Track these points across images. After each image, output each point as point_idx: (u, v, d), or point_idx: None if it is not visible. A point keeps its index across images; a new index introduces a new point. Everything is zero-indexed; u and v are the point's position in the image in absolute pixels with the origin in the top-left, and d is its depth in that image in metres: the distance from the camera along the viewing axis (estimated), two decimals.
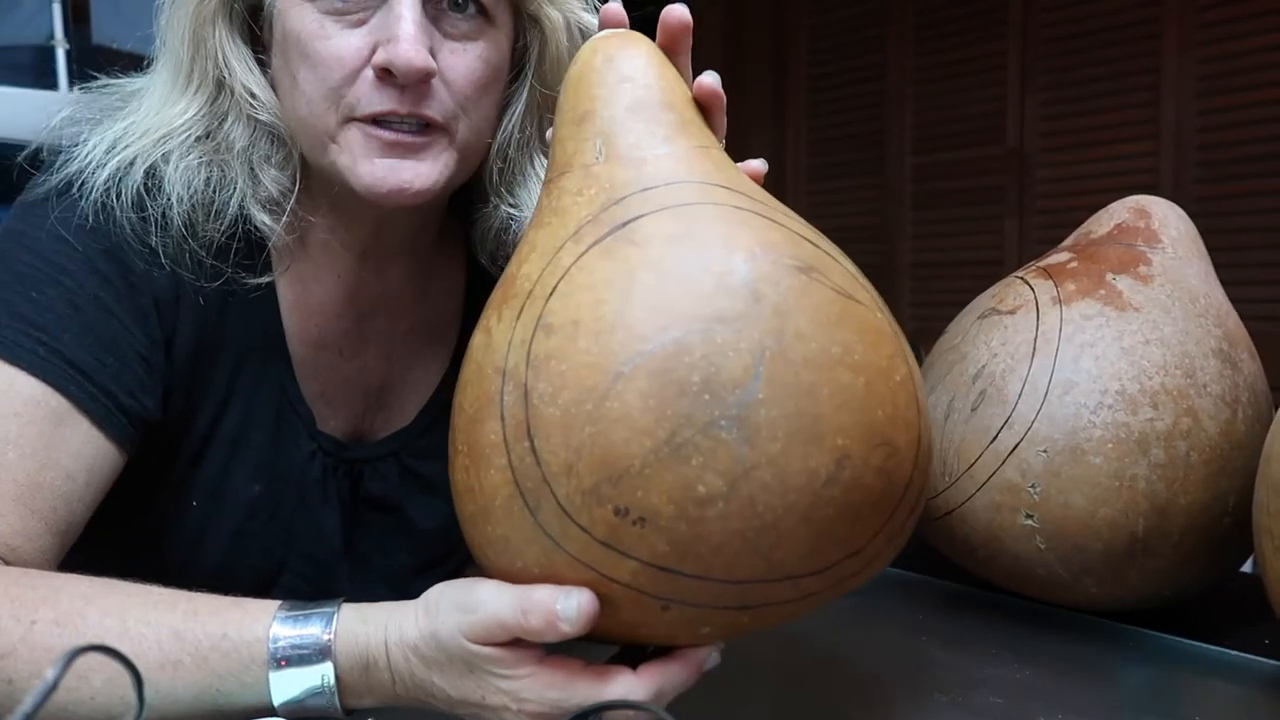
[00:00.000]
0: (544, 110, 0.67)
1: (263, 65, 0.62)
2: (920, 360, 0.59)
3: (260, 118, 0.61)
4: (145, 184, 0.60)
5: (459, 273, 0.75)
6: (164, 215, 0.60)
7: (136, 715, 0.43)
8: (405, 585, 0.73)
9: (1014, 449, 0.65)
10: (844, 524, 0.42)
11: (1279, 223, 2.08)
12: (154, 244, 0.60)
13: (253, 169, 0.62)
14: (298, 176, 0.63)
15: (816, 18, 2.81)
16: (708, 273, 0.42)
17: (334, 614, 0.49)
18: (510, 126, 0.66)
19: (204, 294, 0.63)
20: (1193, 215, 0.74)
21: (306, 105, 0.60)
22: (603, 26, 0.52)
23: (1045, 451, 0.64)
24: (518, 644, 0.46)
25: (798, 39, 2.85)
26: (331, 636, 0.48)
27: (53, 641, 0.48)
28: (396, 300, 0.71)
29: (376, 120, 0.59)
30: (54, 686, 0.40)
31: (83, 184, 0.60)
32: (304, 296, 0.68)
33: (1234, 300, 0.71)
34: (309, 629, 0.48)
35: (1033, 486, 0.64)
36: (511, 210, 0.67)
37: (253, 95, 0.61)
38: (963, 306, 0.77)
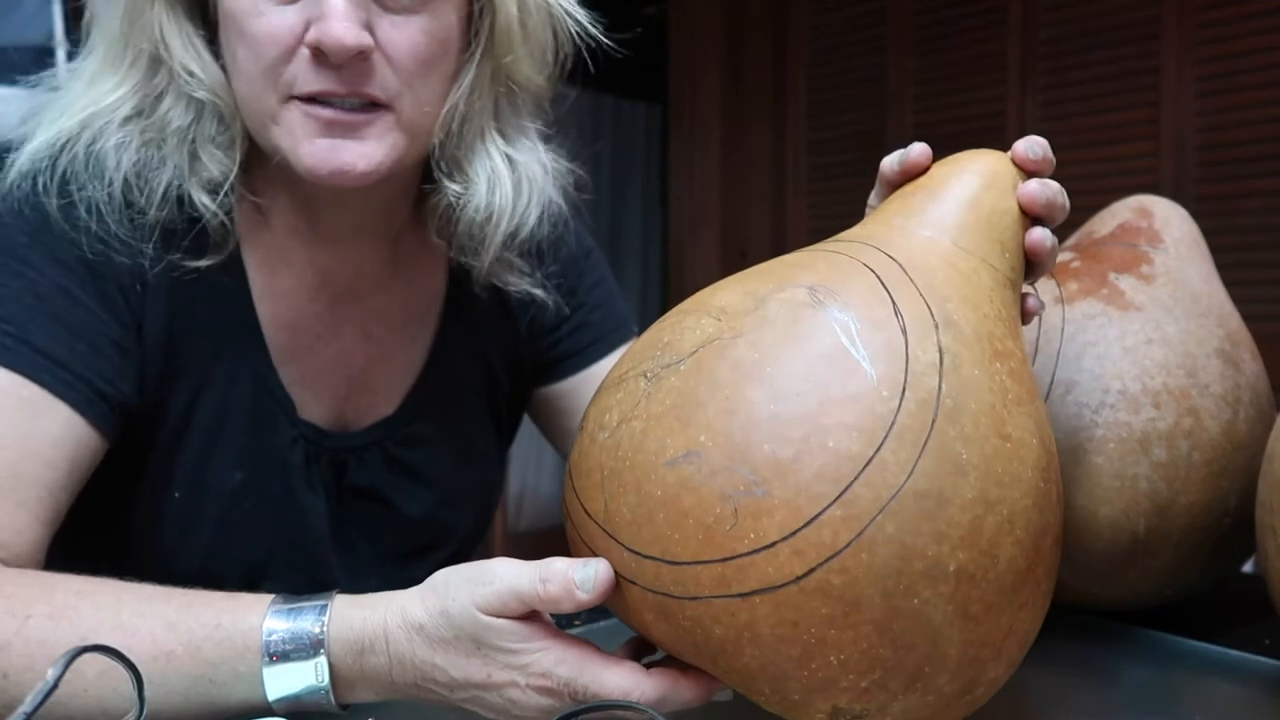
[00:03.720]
0: (497, 84, 0.64)
1: (215, 47, 0.61)
2: None
3: (198, 95, 0.59)
4: (84, 165, 0.59)
5: (441, 254, 0.74)
6: (98, 198, 0.59)
7: (138, 715, 0.43)
8: (396, 573, 0.73)
9: None
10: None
11: (1279, 223, 2.07)
12: (109, 228, 0.59)
13: (194, 148, 0.60)
14: (239, 157, 0.61)
15: (816, 18, 2.81)
16: None
17: (327, 605, 0.48)
18: (457, 99, 0.63)
19: (168, 279, 0.61)
20: (1193, 215, 0.74)
21: (247, 85, 0.58)
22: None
23: None
24: (531, 619, 0.46)
25: (798, 39, 2.85)
26: (324, 627, 0.48)
27: (47, 635, 0.48)
28: (371, 282, 0.70)
29: (315, 99, 0.57)
30: (54, 686, 0.40)
31: (31, 174, 0.59)
32: (274, 281, 0.67)
33: (1235, 300, 0.71)
34: (302, 622, 0.48)
35: None
36: (458, 188, 0.65)
37: (190, 73, 0.59)
38: None
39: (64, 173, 0.59)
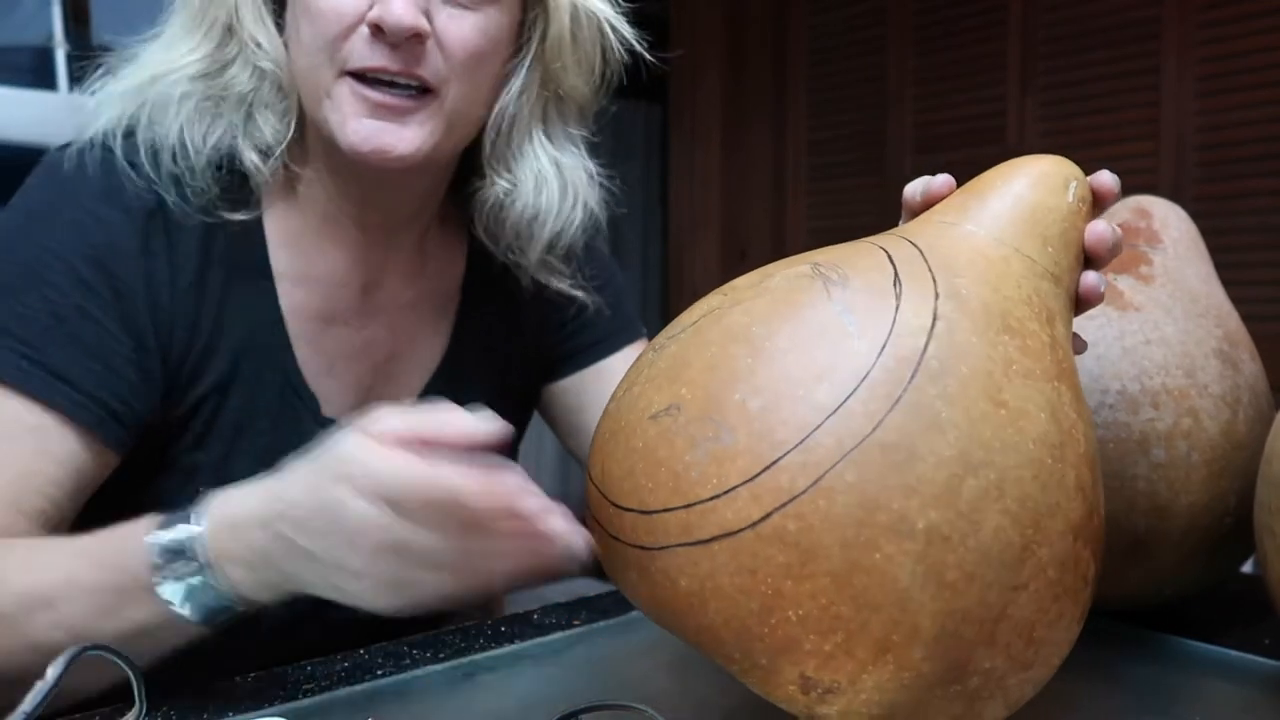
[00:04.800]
0: (546, 89, 0.68)
1: (280, 22, 0.64)
2: None
3: (262, 65, 0.62)
4: (149, 111, 0.63)
5: (460, 247, 0.76)
6: (158, 141, 0.62)
7: (138, 715, 0.43)
8: None
9: None
10: None
11: (1279, 223, 2.08)
12: (162, 171, 0.62)
13: (250, 112, 0.63)
14: (293, 125, 0.64)
15: (816, 18, 2.81)
16: None
17: (203, 506, 0.52)
18: (507, 100, 0.67)
19: (202, 282, 0.64)
20: (1192, 215, 0.74)
21: (306, 58, 0.61)
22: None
23: None
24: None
25: (798, 39, 2.85)
26: (199, 518, 0.51)
27: None
28: (399, 273, 0.72)
29: (367, 78, 0.60)
30: (55, 685, 0.40)
31: (100, 147, 0.63)
32: (308, 269, 0.68)
33: (1233, 300, 0.71)
34: (179, 524, 0.51)
35: None
36: (508, 186, 0.68)
37: (258, 43, 0.62)
38: None
39: (132, 117, 0.63)
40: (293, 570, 0.49)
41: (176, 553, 0.51)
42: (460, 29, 0.61)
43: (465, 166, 0.70)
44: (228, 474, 0.65)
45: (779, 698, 0.43)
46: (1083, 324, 0.66)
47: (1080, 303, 0.51)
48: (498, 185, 0.68)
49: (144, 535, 0.51)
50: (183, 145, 0.62)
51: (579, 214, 0.71)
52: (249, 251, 0.65)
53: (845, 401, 0.40)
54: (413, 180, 0.67)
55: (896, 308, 0.43)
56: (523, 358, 0.80)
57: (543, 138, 0.69)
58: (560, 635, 0.66)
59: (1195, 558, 0.65)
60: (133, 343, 0.61)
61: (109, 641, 0.49)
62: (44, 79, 1.76)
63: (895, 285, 0.44)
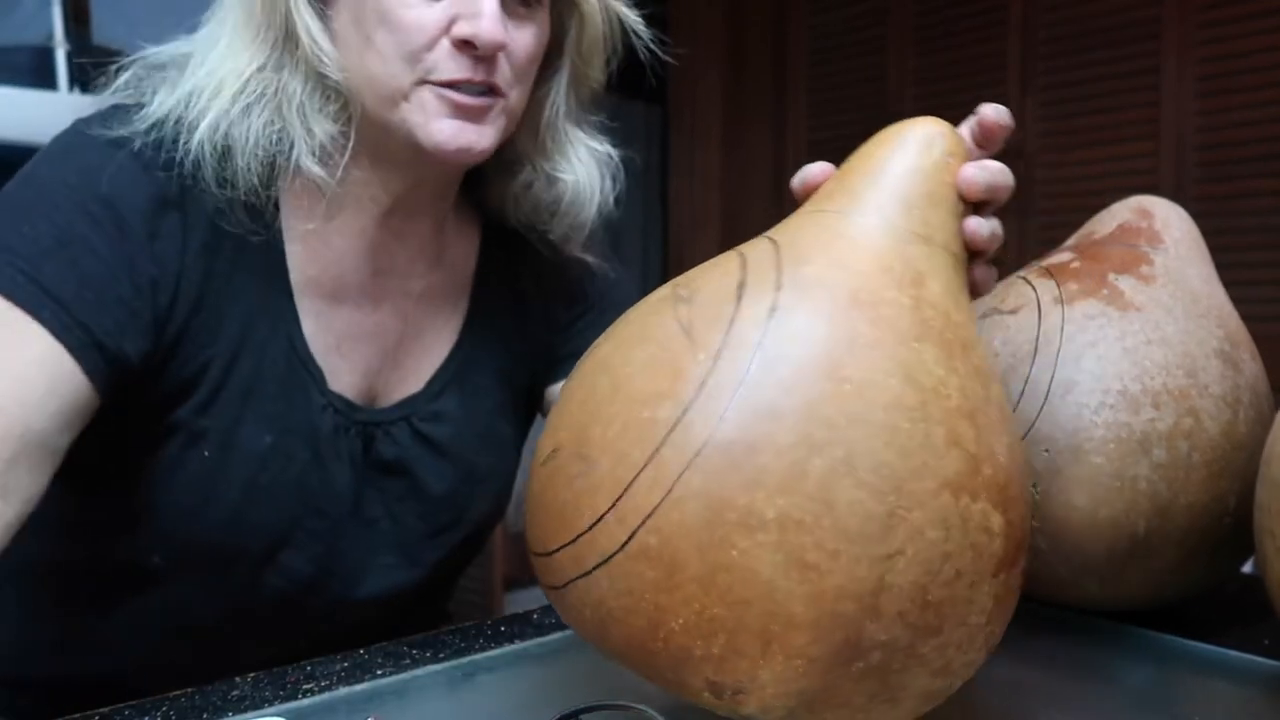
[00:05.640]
0: (580, 84, 0.75)
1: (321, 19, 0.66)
2: None
3: (328, 73, 0.65)
4: (224, 144, 0.64)
5: (473, 240, 0.79)
6: (233, 176, 0.64)
7: None
8: (416, 551, 0.75)
9: None
10: None
11: (1279, 223, 2.08)
12: (207, 173, 0.64)
13: (306, 121, 0.65)
14: (352, 131, 0.67)
15: (816, 18, 2.81)
16: None
17: None
18: (557, 98, 0.73)
19: (210, 246, 0.65)
20: (1192, 215, 0.74)
21: (382, 65, 0.64)
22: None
23: (1047, 451, 0.64)
24: None
25: (798, 39, 2.85)
26: None
27: None
28: (412, 260, 0.74)
29: (450, 85, 0.64)
30: None
31: (157, 139, 0.64)
32: (322, 250, 0.70)
33: (1234, 301, 0.71)
34: None
35: (1034, 486, 0.64)
36: (558, 174, 0.74)
37: (322, 50, 0.65)
38: None
39: (215, 145, 0.64)
40: None
41: None
42: (523, 38, 0.66)
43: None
44: (235, 439, 0.67)
45: (705, 705, 0.44)
46: (1084, 323, 0.66)
47: (972, 252, 0.51)
48: (540, 171, 0.74)
49: None
50: (235, 156, 0.64)
51: (610, 193, 0.78)
52: (264, 229, 0.67)
53: (685, 412, 0.42)
54: (456, 173, 0.72)
55: (735, 312, 0.44)
56: (528, 355, 0.81)
57: (574, 127, 0.75)
58: (560, 635, 0.66)
59: (1195, 558, 0.65)
60: (130, 285, 0.62)
61: None
62: (44, 79, 1.76)
63: (739, 290, 0.45)
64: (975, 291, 0.53)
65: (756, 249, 0.48)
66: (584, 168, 0.75)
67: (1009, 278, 0.74)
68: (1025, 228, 2.38)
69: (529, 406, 0.84)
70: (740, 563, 0.40)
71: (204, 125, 0.63)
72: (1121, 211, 0.74)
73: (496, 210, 0.78)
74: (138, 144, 0.63)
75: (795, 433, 0.41)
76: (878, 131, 0.52)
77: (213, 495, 0.66)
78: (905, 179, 0.49)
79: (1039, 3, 2.38)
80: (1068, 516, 0.64)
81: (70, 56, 1.76)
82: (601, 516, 0.42)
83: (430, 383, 0.75)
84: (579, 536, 0.43)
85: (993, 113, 0.52)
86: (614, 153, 0.78)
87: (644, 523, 0.41)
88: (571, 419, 0.46)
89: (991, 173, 0.50)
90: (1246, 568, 0.73)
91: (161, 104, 0.64)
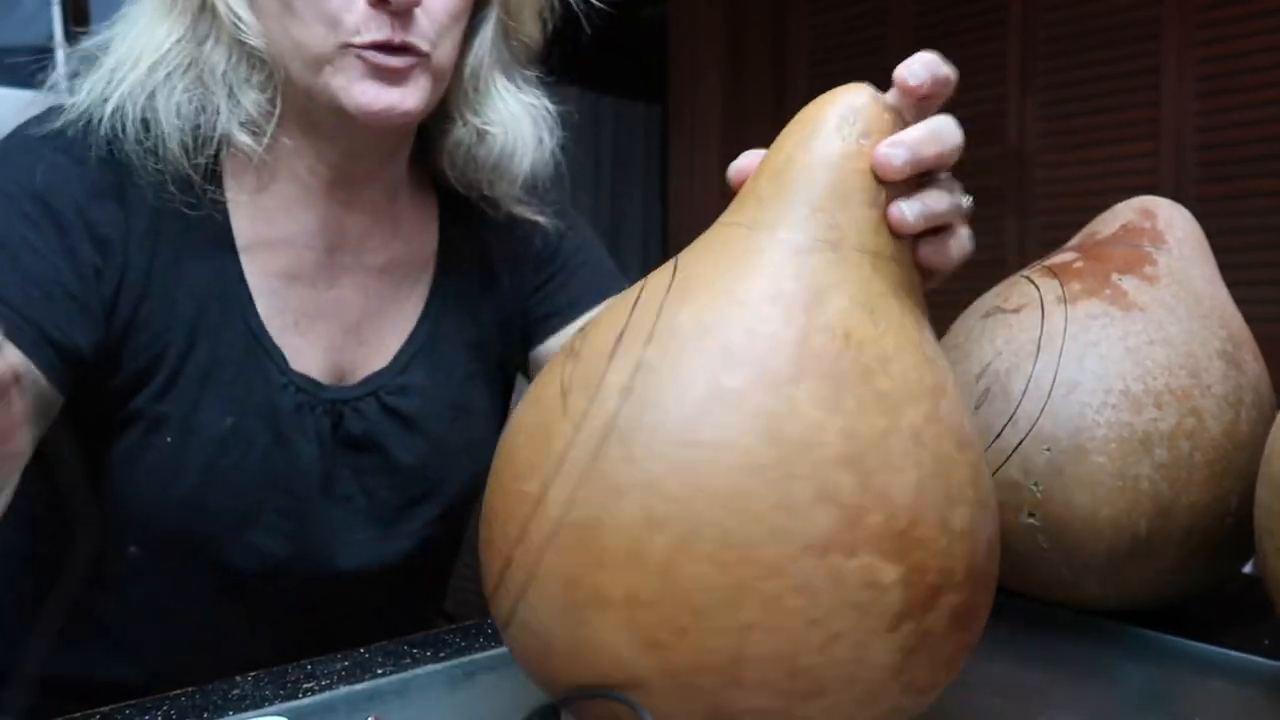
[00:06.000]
0: (509, 36, 0.74)
1: None
2: None
3: (248, 40, 0.64)
4: (143, 115, 0.64)
5: (432, 214, 0.79)
6: (157, 146, 0.64)
7: None
8: (392, 523, 0.75)
9: (1017, 447, 0.65)
10: None
11: (1279, 223, 2.08)
12: (134, 157, 0.64)
13: (232, 91, 0.65)
14: (278, 99, 0.66)
15: (816, 18, 2.81)
16: None
17: None
18: (481, 51, 0.72)
19: (154, 230, 0.65)
20: (1193, 215, 0.74)
21: (303, 29, 0.63)
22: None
23: (1049, 450, 0.64)
24: None
25: (798, 39, 2.85)
26: None
27: None
28: (367, 233, 0.74)
29: (370, 47, 0.63)
30: None
31: (84, 124, 0.64)
32: (268, 230, 0.70)
33: (1235, 301, 0.71)
34: None
35: (1035, 485, 0.64)
36: (481, 128, 0.73)
37: (239, 18, 0.64)
38: (963, 307, 0.77)
39: (135, 122, 0.64)
40: None
41: None
42: None
43: (427, 120, 0.74)
44: (195, 424, 0.66)
45: None
46: (1087, 323, 0.66)
47: (901, 236, 0.45)
48: (470, 126, 0.73)
49: None
50: (159, 125, 0.64)
51: (546, 147, 0.76)
52: (198, 200, 0.67)
53: (547, 489, 0.41)
54: (392, 139, 0.71)
55: (604, 373, 0.42)
56: (499, 323, 0.81)
57: (506, 81, 0.74)
58: None
59: (1197, 558, 0.65)
60: (75, 277, 0.62)
61: None
62: (44, 79, 1.76)
63: (615, 343, 0.43)
64: (933, 270, 0.48)
65: (656, 280, 0.45)
66: (514, 120, 0.74)
67: (1012, 277, 0.74)
68: (1025, 228, 2.38)
69: (504, 375, 0.84)
70: (597, 639, 0.40)
71: (119, 94, 0.63)
72: (1125, 212, 0.74)
73: (442, 174, 0.77)
74: (70, 134, 0.64)
75: (637, 509, 0.39)
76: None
77: (175, 480, 0.66)
78: (810, 175, 0.44)
79: (1039, 3, 2.38)
80: (1069, 516, 0.64)
81: (70, 57, 1.76)
82: (495, 586, 0.44)
83: (397, 357, 0.75)
84: (490, 596, 0.45)
85: (909, 74, 0.45)
86: (550, 106, 0.76)
87: (520, 599, 0.42)
88: (491, 480, 0.47)
89: (911, 145, 0.44)
90: (1247, 568, 0.73)
91: (90, 90, 0.65)
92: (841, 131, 0.44)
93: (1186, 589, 0.68)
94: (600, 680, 0.41)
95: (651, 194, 3.71)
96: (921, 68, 0.45)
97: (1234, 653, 0.63)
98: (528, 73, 0.77)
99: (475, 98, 0.73)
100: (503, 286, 0.81)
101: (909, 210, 0.44)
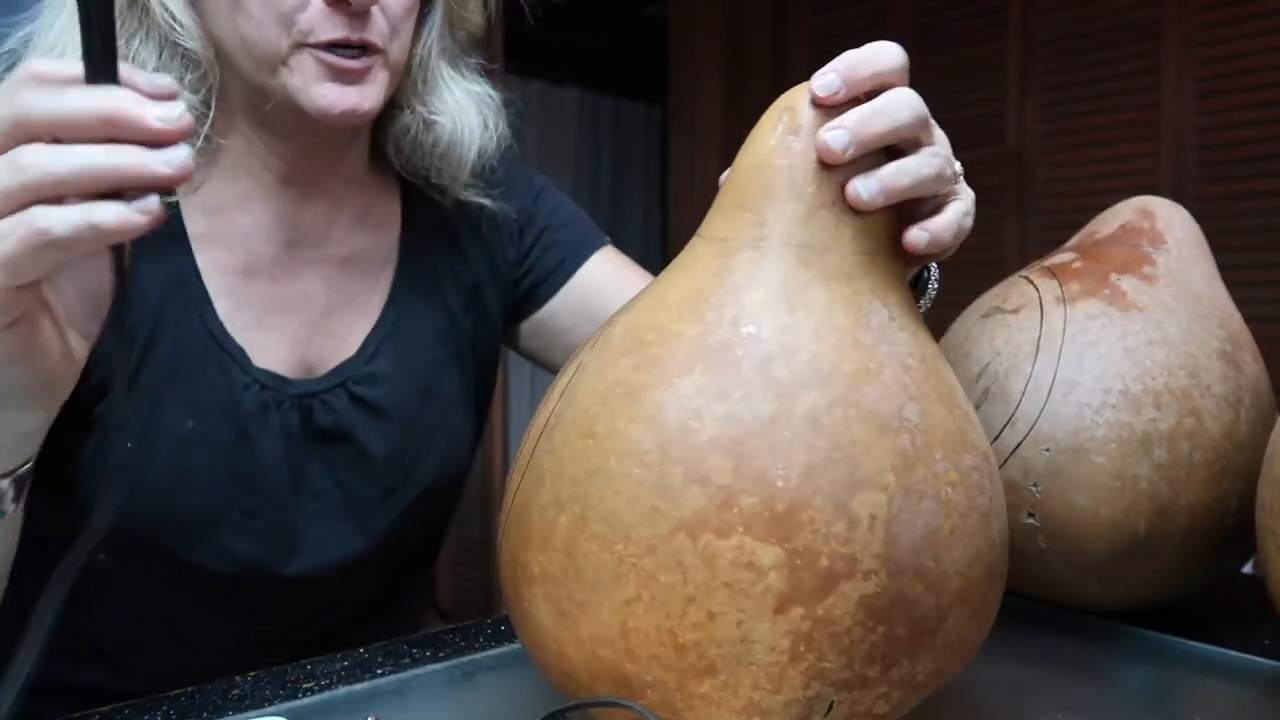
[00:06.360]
0: (455, 26, 0.75)
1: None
2: None
3: (182, 43, 0.63)
4: None
5: (394, 197, 0.79)
6: None
7: None
8: (368, 516, 0.74)
9: (1016, 447, 0.65)
10: None
11: (1279, 223, 2.08)
12: None
13: None
14: (213, 100, 0.65)
15: (816, 18, 2.81)
16: None
17: None
18: (430, 40, 0.72)
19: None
20: (1193, 216, 0.74)
21: (255, 29, 0.62)
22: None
23: (1048, 450, 0.64)
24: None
25: (798, 39, 2.85)
26: None
27: None
28: (327, 226, 0.73)
29: (327, 47, 0.62)
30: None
31: None
32: (224, 226, 0.69)
33: (1234, 301, 0.71)
34: None
35: (1034, 485, 0.64)
36: (429, 117, 0.74)
37: (174, 19, 0.62)
38: (962, 307, 0.77)
39: None
40: None
41: None
42: None
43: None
44: (158, 426, 0.66)
45: None
46: (1086, 323, 0.66)
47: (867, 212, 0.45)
48: (417, 115, 0.73)
49: None
50: None
51: (493, 134, 0.77)
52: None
53: (511, 483, 0.48)
54: (348, 134, 0.71)
55: (562, 373, 0.48)
56: (471, 305, 0.81)
57: (451, 70, 0.75)
58: None
59: (1196, 558, 0.65)
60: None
61: None
62: None
63: (582, 348, 0.48)
64: (925, 251, 0.47)
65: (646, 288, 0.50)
66: (460, 109, 0.75)
67: (1011, 277, 0.74)
68: (1025, 228, 2.38)
69: (476, 359, 0.83)
70: (528, 611, 0.45)
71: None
72: (1124, 212, 0.74)
73: (389, 161, 0.77)
74: None
75: (550, 493, 0.44)
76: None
77: (139, 483, 0.66)
78: (744, 179, 0.47)
79: (1039, 3, 2.38)
80: (1069, 516, 0.64)
81: None
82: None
83: (363, 345, 0.74)
84: None
85: (818, 87, 0.45)
86: (494, 93, 0.77)
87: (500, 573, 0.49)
88: None
89: (852, 126, 0.44)
90: (1247, 568, 0.73)
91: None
92: (775, 132, 0.46)
93: (1186, 589, 0.68)
94: (535, 647, 0.46)
95: (651, 194, 3.70)
96: (835, 76, 0.45)
97: (1234, 653, 0.63)
98: (470, 60, 0.78)
99: (424, 89, 0.73)
100: (474, 267, 0.81)
101: (863, 188, 0.45)
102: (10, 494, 0.53)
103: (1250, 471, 0.64)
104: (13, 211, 0.41)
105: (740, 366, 0.42)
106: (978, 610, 0.45)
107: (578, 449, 0.44)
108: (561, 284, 0.84)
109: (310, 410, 0.71)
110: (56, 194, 0.40)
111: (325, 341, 0.73)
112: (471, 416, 0.82)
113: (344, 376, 0.73)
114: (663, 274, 0.49)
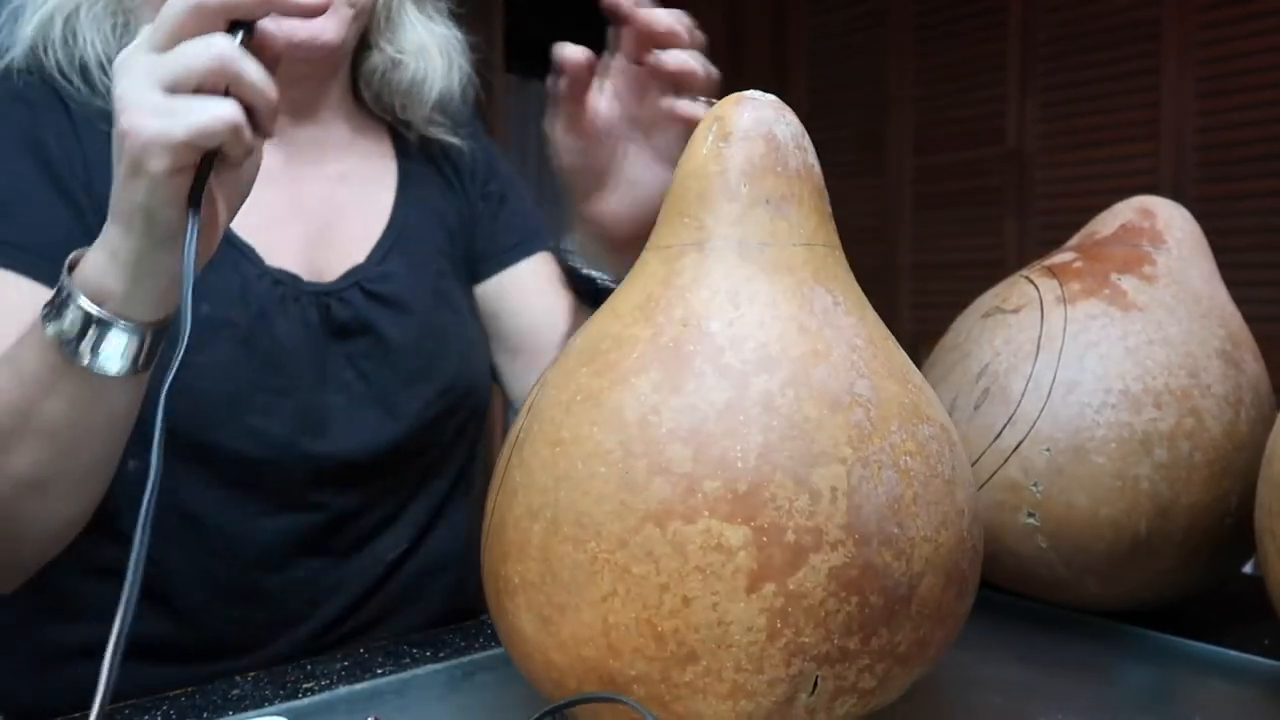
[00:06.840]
0: None
1: None
2: (919, 362, 0.59)
3: None
4: (61, 38, 0.69)
5: (383, 133, 0.84)
6: (81, 65, 0.69)
7: None
8: (394, 402, 0.76)
9: (1017, 447, 0.65)
10: None
11: (1279, 223, 2.08)
12: (66, 100, 0.69)
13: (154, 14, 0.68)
14: None
15: (816, 18, 2.81)
16: None
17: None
18: None
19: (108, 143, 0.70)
20: (1193, 215, 0.74)
21: None
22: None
23: (1048, 450, 0.64)
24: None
25: (798, 39, 2.85)
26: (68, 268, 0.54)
27: None
28: (320, 148, 0.79)
29: None
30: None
31: (34, 68, 0.69)
32: None
33: (1234, 301, 0.71)
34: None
35: (1035, 485, 0.64)
36: (395, 56, 0.79)
37: None
38: (962, 308, 0.77)
39: (56, 42, 0.69)
40: (147, 238, 0.51)
41: (57, 303, 0.54)
42: None
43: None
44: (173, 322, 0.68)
45: None
46: (1086, 323, 0.66)
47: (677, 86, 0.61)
48: (385, 53, 0.79)
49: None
50: (95, 62, 0.68)
51: (457, 75, 0.83)
52: None
53: (488, 502, 0.49)
54: (323, 69, 0.76)
55: (531, 392, 0.49)
56: (460, 232, 0.85)
57: (417, 11, 0.81)
58: None
59: (1196, 558, 0.65)
60: (64, 203, 0.67)
61: (45, 412, 0.54)
62: None
63: (548, 367, 0.50)
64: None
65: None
66: (423, 49, 0.80)
67: (1011, 277, 0.74)
68: (1025, 228, 2.38)
69: (469, 283, 0.87)
70: (512, 623, 0.46)
71: (40, 16, 0.67)
72: (1124, 211, 0.74)
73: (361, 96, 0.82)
74: (18, 81, 0.69)
75: (523, 504, 0.45)
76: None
77: (156, 371, 0.67)
78: (684, 187, 0.49)
79: (1039, 3, 2.38)
80: (1069, 516, 0.64)
81: None
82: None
83: (373, 251, 0.78)
84: None
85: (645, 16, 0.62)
86: (459, 35, 0.83)
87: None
88: None
89: (675, 56, 0.60)
90: (1247, 568, 0.73)
91: (21, 35, 0.69)
92: (707, 141, 0.49)
93: (1186, 589, 0.68)
94: (521, 657, 0.47)
95: None
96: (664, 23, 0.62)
97: (1234, 653, 0.63)
98: (441, 4, 0.84)
99: (387, 27, 0.79)
100: (459, 199, 0.86)
101: (691, 110, 0.63)
102: (148, 349, 0.55)
103: (1250, 471, 0.64)
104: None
105: (693, 361, 0.44)
106: (953, 577, 0.45)
107: (546, 458, 0.45)
108: (505, 266, 0.87)
109: (328, 308, 0.74)
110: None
111: (330, 250, 0.77)
112: (480, 334, 0.86)
113: (357, 278, 0.76)
114: (618, 288, 0.51)
